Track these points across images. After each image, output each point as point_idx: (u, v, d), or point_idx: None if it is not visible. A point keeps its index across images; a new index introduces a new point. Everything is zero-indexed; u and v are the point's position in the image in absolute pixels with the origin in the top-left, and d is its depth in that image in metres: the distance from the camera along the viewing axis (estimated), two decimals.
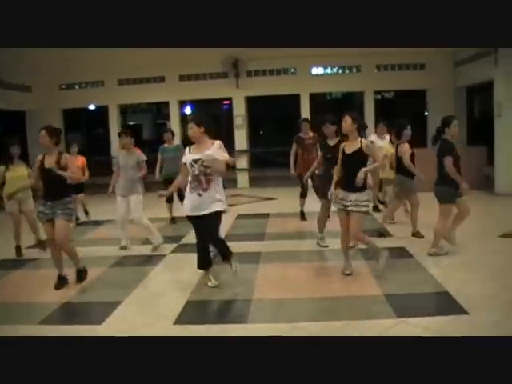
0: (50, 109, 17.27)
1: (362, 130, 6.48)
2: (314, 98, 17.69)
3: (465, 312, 5.18)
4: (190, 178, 6.10)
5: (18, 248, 8.56)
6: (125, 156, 8.38)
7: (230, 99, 18.00)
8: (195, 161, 6.00)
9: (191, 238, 8.74)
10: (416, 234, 8.46)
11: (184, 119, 18.24)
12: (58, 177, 6.36)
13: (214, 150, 6.03)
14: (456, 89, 16.39)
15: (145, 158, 8.47)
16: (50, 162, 6.46)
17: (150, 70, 16.79)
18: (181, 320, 5.38)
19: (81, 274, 6.76)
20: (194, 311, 5.70)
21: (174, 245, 8.69)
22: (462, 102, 16.75)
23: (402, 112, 22.41)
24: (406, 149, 8.31)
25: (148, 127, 28.20)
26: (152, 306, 5.85)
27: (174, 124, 17.54)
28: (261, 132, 26.10)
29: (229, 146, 16.65)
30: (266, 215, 11.38)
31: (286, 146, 18.23)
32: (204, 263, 6.48)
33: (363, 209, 6.32)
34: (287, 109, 19.34)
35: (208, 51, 12.96)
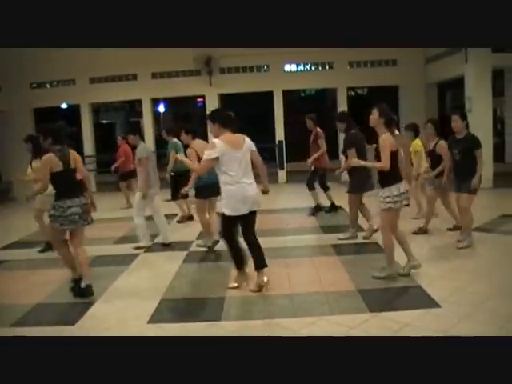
0: (21, 108, 17.09)
1: (390, 123, 6.11)
2: (288, 94, 17.74)
3: (437, 305, 5.24)
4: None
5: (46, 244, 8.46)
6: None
7: (203, 97, 17.96)
8: None
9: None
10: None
11: (157, 117, 18.16)
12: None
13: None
14: (427, 85, 16.57)
15: (139, 154, 8.13)
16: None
17: (122, 67, 16.69)
18: (155, 319, 5.36)
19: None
20: (167, 310, 5.67)
21: (148, 243, 8.63)
22: (433, 98, 16.94)
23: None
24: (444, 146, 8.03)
25: (121, 125, 28.00)
26: (126, 306, 5.80)
27: (147, 122, 17.46)
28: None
29: None
30: None
31: (259, 143, 18.40)
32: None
33: (385, 205, 6.02)
34: (261, 106, 19.37)
35: (180, 49, 12.93)
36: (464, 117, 7.34)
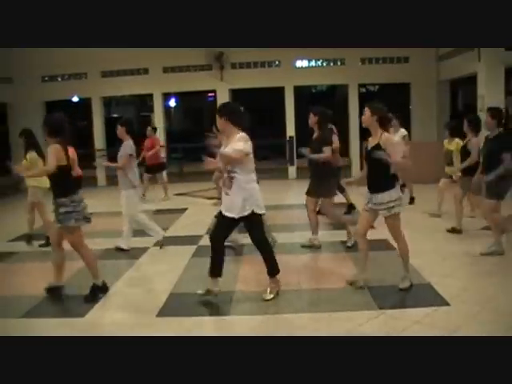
0: (32, 101, 17.13)
1: (385, 123, 5.71)
2: (299, 90, 17.70)
3: (446, 303, 5.23)
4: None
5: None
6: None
7: (214, 91, 17.97)
8: None
9: (174, 230, 8.80)
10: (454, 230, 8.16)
11: (168, 112, 18.20)
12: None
13: (233, 144, 5.38)
14: (439, 82, 16.48)
15: (128, 151, 7.82)
16: None
17: (134, 61, 16.69)
18: (164, 312, 5.39)
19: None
20: (176, 304, 5.69)
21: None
22: (445, 96, 16.85)
23: (386, 105, 22.58)
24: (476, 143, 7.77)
25: (132, 120, 28.06)
26: (135, 299, 5.84)
27: (158, 116, 17.48)
28: None
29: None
30: None
31: (270, 138, 18.41)
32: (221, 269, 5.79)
33: (388, 212, 5.62)
34: (272, 101, 19.35)
35: None
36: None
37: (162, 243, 8.04)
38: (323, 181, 7.31)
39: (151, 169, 12.99)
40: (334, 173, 7.50)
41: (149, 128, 13.46)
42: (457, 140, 9.03)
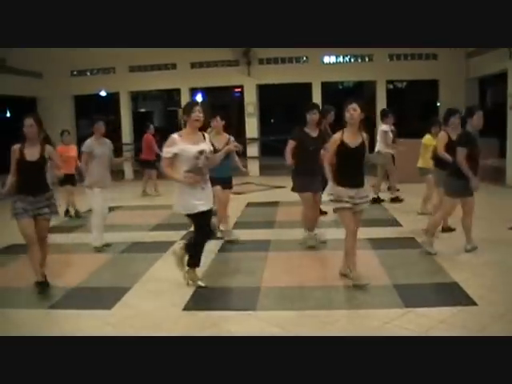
0: (61, 95, 17.38)
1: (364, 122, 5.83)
2: (326, 87, 17.62)
3: (473, 303, 5.18)
4: (187, 170, 5.60)
5: None
6: (100, 145, 7.85)
7: (241, 87, 17.99)
8: (200, 152, 5.63)
9: None
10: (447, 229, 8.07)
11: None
12: (40, 169, 6.05)
13: (208, 142, 5.80)
14: (468, 79, 16.27)
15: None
16: (32, 154, 6.00)
17: (162, 57, 16.77)
18: (190, 306, 5.42)
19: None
20: (203, 298, 5.72)
21: (183, 232, 8.70)
22: (474, 93, 16.63)
23: (413, 102, 22.35)
24: (441, 137, 7.70)
25: (159, 114, 28.26)
26: (161, 292, 5.88)
27: None
28: (272, 120, 26.10)
29: (239, 134, 16.70)
30: (276, 203, 11.38)
31: None
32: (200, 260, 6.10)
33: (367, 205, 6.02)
34: (299, 97, 19.30)
35: None
36: None
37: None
38: (293, 177, 7.60)
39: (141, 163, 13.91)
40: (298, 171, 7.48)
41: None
42: (429, 136, 9.14)
